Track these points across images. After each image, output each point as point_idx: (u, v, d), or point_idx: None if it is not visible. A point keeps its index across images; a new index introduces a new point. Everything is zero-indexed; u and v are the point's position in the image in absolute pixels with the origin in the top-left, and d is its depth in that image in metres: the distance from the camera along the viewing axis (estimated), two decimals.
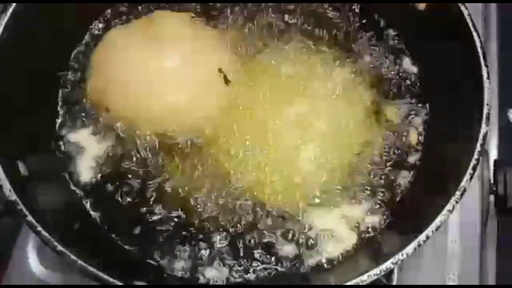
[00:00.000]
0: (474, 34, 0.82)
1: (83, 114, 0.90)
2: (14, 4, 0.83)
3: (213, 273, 0.80)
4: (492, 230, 0.99)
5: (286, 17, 0.97)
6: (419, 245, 0.71)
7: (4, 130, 0.79)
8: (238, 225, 0.83)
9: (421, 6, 0.90)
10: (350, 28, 0.97)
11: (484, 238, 0.95)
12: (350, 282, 0.70)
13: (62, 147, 0.89)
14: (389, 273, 0.80)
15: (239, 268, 0.80)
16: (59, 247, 0.70)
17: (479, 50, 0.81)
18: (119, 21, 0.97)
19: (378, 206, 0.84)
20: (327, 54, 0.94)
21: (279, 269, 0.80)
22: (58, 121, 0.90)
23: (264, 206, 0.83)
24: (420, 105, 0.91)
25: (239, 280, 0.80)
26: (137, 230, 0.83)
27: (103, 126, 0.89)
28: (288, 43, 0.95)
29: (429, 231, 0.71)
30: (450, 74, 0.86)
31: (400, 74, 0.94)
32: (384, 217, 0.84)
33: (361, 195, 0.85)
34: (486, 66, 0.80)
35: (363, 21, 0.97)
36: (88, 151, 0.88)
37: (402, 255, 0.71)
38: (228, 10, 0.97)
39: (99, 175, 0.86)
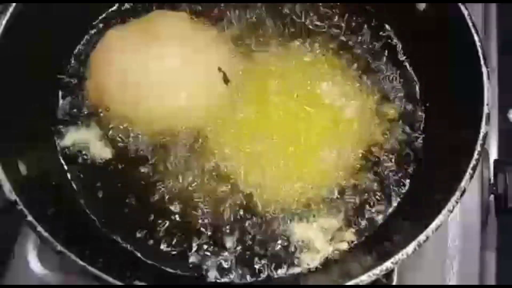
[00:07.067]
0: (474, 34, 0.82)
1: (83, 114, 0.91)
2: (14, 4, 0.83)
3: (214, 273, 0.81)
4: (492, 230, 0.99)
5: (286, 16, 0.97)
6: (419, 245, 0.71)
7: (4, 129, 0.79)
8: (230, 229, 0.83)
9: (421, 6, 0.90)
10: (349, 30, 0.97)
11: (484, 238, 0.95)
12: (350, 282, 0.70)
13: (63, 147, 0.89)
14: (389, 273, 0.79)
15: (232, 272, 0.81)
16: (59, 247, 0.70)
17: (479, 50, 0.81)
18: (118, 21, 0.97)
19: (379, 205, 0.84)
20: (327, 56, 0.94)
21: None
22: (59, 120, 0.90)
23: (254, 211, 0.83)
24: (420, 105, 0.91)
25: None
26: (137, 230, 0.83)
27: (103, 125, 0.89)
28: (289, 42, 0.95)
29: (429, 231, 0.71)
30: (450, 74, 0.86)
31: (400, 74, 0.94)
32: (386, 216, 0.84)
33: (361, 195, 0.85)
34: (486, 66, 0.80)
35: (363, 22, 0.97)
36: (88, 150, 0.88)
37: (402, 255, 0.71)
38: (228, 10, 0.97)
39: (100, 175, 0.87)
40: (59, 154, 0.88)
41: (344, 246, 0.82)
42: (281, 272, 0.80)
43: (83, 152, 0.88)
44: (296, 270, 0.81)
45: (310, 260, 0.81)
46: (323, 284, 0.80)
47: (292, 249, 0.82)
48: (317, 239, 0.82)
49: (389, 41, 0.96)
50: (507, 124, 1.13)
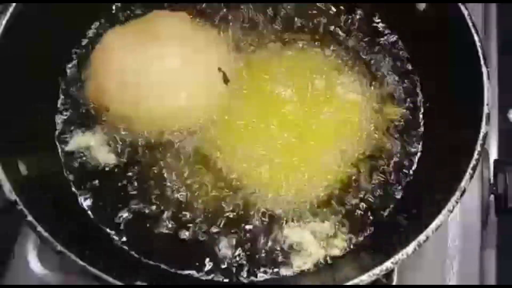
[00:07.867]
0: (474, 34, 0.82)
1: (83, 114, 0.90)
2: (14, 4, 0.83)
3: (212, 273, 0.81)
4: (492, 230, 0.99)
5: (287, 16, 0.97)
6: (419, 245, 0.71)
7: (4, 129, 0.79)
8: (228, 229, 0.83)
9: (421, 6, 0.90)
10: (350, 29, 0.97)
11: (484, 238, 0.95)
12: (350, 282, 0.70)
13: (63, 147, 0.89)
14: (389, 273, 0.79)
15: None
16: (59, 247, 0.70)
17: (479, 50, 0.81)
18: (118, 21, 0.97)
19: (378, 205, 0.84)
20: (327, 55, 0.94)
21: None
22: (59, 120, 0.90)
23: (252, 212, 0.83)
24: (420, 105, 0.91)
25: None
26: (137, 231, 0.83)
27: (103, 125, 0.89)
28: (289, 42, 0.95)
29: (429, 231, 0.71)
30: (450, 74, 0.86)
31: (400, 74, 0.94)
32: (385, 216, 0.84)
33: (361, 195, 0.85)
34: (486, 66, 0.80)
35: (362, 21, 0.97)
36: (88, 150, 0.88)
37: (402, 255, 0.71)
38: (228, 9, 0.97)
39: (100, 175, 0.87)
40: (59, 154, 0.88)
41: (342, 246, 0.82)
42: (276, 273, 0.80)
43: (83, 152, 0.88)
44: (292, 271, 0.81)
45: (304, 262, 0.81)
46: (324, 284, 0.80)
47: (288, 250, 0.81)
48: (313, 242, 0.82)
49: (389, 41, 0.96)
50: (507, 124, 1.13)
